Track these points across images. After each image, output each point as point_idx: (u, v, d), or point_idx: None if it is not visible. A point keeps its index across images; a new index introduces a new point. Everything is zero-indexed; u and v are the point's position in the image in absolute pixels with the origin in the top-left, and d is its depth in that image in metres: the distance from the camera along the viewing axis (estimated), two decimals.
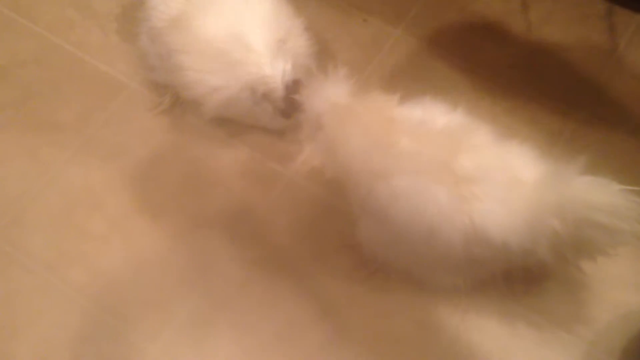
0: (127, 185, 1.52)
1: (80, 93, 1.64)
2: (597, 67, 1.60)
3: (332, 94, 1.20)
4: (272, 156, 1.53)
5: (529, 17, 1.69)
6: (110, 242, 1.45)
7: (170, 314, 1.36)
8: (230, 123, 1.54)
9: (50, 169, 1.54)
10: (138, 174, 1.53)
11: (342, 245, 1.40)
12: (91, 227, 1.47)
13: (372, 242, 1.29)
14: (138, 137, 1.57)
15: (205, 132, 1.57)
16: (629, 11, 1.66)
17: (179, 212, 1.48)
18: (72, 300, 1.39)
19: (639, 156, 1.46)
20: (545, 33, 1.67)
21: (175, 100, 1.59)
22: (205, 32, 1.36)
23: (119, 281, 1.41)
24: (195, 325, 1.35)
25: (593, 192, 1.00)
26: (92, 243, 1.45)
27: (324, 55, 1.59)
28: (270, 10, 1.38)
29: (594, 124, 1.51)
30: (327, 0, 1.75)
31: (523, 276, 1.27)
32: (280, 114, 1.40)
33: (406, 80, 1.61)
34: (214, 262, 1.42)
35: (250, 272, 1.40)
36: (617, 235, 0.99)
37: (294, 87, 1.35)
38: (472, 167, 1.07)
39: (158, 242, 1.45)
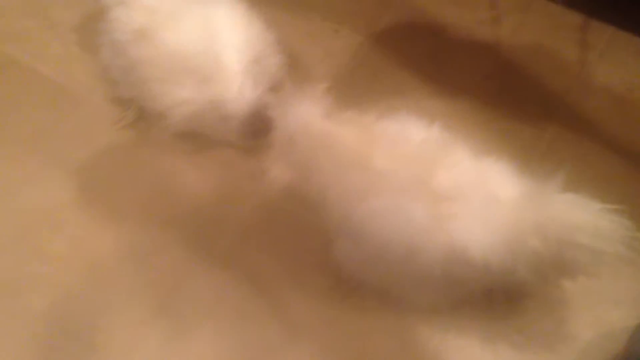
0: (89, 203, 1.44)
1: (38, 108, 1.56)
2: (570, 79, 1.59)
3: (306, 112, 1.16)
4: (243, 173, 1.47)
5: (501, 28, 1.68)
6: (72, 264, 1.37)
7: (139, 338, 1.29)
8: (198, 137, 1.48)
9: (7, 188, 1.46)
10: (100, 191, 1.46)
11: (318, 264, 1.35)
12: (51, 249, 1.39)
13: (349, 262, 1.25)
14: (100, 153, 1.50)
15: (171, 146, 1.51)
16: (601, 23, 1.66)
17: (145, 231, 1.41)
18: (32, 327, 1.30)
19: (613, 170, 1.45)
20: (518, 44, 1.65)
21: (139, 114, 1.53)
22: (172, 45, 1.31)
23: (83, 305, 1.34)
24: (164, 348, 1.29)
25: (573, 212, 0.99)
26: (52, 265, 1.37)
27: (295, 68, 1.55)
28: (240, 23, 1.34)
29: (567, 138, 1.50)
30: (297, 11, 1.71)
31: (504, 295, 1.24)
32: (246, 135, 1.35)
33: (380, 92, 1.57)
34: (182, 282, 1.35)
35: (221, 293, 1.34)
36: (599, 256, 0.97)
37: (262, 110, 1.30)
38: (450, 185, 1.05)
39: (123, 263, 1.38)
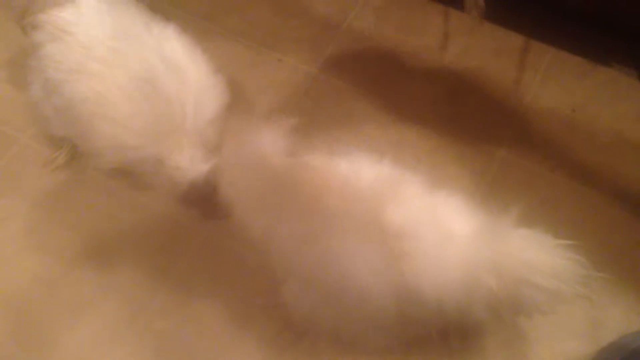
0: (18, 254, 1.35)
1: None
2: (514, 101, 1.58)
3: (268, 144, 1.12)
4: (185, 214, 1.40)
5: (446, 52, 1.66)
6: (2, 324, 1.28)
7: None
8: (135, 175, 1.38)
9: None
10: (31, 239, 1.37)
11: (265, 307, 1.29)
12: None
13: (299, 304, 1.19)
14: (29, 197, 1.41)
15: (109, 188, 1.43)
16: (543, 44, 1.66)
17: (81, 283, 1.33)
18: None
19: (561, 194, 1.43)
20: (463, 68, 1.64)
21: (73, 155, 1.45)
22: (113, 84, 1.22)
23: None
24: None
25: (529, 249, 0.96)
26: None
27: (238, 98, 1.49)
28: (184, 58, 1.27)
29: (515, 163, 1.48)
30: (239, 40, 1.67)
31: (459, 333, 1.20)
32: (190, 198, 1.30)
33: (327, 124, 1.53)
34: (121, 338, 1.27)
35: (162, 347, 1.26)
36: (556, 295, 0.94)
37: (209, 178, 1.25)
38: (402, 223, 1.00)
39: (57, 319, 1.29)
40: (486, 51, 1.67)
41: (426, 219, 1.01)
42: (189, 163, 1.25)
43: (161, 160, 1.24)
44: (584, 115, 1.56)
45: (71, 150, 1.44)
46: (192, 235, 1.39)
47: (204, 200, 1.30)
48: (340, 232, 1.02)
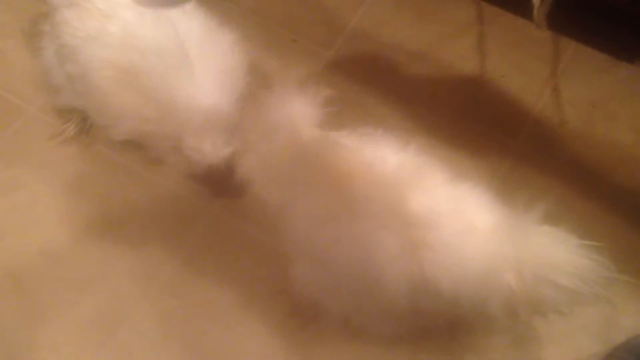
0: (24, 228, 1.33)
1: None
2: (533, 95, 1.55)
3: (299, 115, 1.09)
4: (195, 191, 1.37)
5: (462, 44, 1.63)
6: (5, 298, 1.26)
7: None
8: (148, 149, 1.35)
9: None
10: (37, 213, 1.34)
11: (274, 290, 1.28)
12: None
13: (309, 287, 1.17)
14: (36, 170, 1.38)
15: (118, 162, 1.40)
16: (565, 37, 1.63)
17: (86, 258, 1.30)
18: None
19: (579, 194, 1.41)
20: (481, 59, 1.60)
21: (82, 127, 1.42)
22: (133, 55, 1.18)
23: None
24: None
25: (552, 248, 0.94)
26: None
27: (258, 77, 1.45)
28: (206, 34, 1.24)
29: (531, 157, 1.46)
30: (253, 19, 1.63)
31: (469, 328, 1.18)
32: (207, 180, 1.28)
33: (353, 103, 1.50)
34: (125, 316, 1.25)
35: (167, 327, 1.24)
36: (576, 296, 0.93)
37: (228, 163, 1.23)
38: (424, 212, 0.98)
39: (61, 294, 1.27)
40: (503, 43, 1.63)
41: (448, 209, 0.99)
42: (210, 146, 1.22)
43: (179, 138, 1.21)
44: (604, 111, 1.53)
45: (81, 122, 1.41)
46: (203, 214, 1.36)
47: (219, 181, 1.28)
48: (361, 215, 1.00)
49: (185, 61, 1.19)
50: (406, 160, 1.04)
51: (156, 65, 1.19)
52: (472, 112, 1.52)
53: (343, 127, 1.11)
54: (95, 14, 1.22)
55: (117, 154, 1.41)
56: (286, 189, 1.09)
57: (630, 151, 1.48)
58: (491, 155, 1.45)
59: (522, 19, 1.65)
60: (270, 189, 1.13)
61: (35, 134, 1.42)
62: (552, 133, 1.51)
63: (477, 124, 1.50)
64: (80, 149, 1.42)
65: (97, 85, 1.21)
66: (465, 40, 1.64)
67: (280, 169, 1.09)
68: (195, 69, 1.20)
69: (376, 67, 1.59)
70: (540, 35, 1.62)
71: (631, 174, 1.45)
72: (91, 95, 1.24)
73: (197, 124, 1.21)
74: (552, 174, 1.43)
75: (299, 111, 1.11)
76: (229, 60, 1.28)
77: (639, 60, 1.58)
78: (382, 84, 1.55)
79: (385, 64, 1.60)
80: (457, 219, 0.99)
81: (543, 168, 1.44)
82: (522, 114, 1.53)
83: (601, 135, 1.50)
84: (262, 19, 1.64)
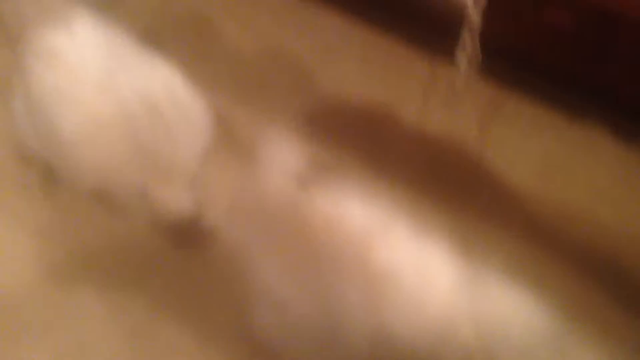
0: None
1: None
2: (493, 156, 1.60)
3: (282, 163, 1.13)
4: (159, 240, 1.37)
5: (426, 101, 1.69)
6: None
7: None
8: (113, 198, 1.33)
9: None
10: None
11: (236, 336, 1.28)
12: None
13: (270, 334, 1.17)
14: (1, 216, 1.38)
15: (82, 210, 1.40)
16: (517, 96, 1.69)
17: (48, 302, 1.30)
18: None
19: (536, 253, 1.44)
20: (449, 123, 1.65)
21: (48, 175, 1.42)
22: (100, 109, 1.21)
23: None
24: None
25: (508, 304, 0.98)
26: None
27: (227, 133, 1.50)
28: (178, 91, 1.27)
29: (490, 213, 1.49)
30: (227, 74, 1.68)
31: None
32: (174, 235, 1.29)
33: (315, 163, 1.51)
34: None
35: None
36: (531, 353, 0.95)
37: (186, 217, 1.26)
38: (387, 265, 1.01)
39: (21, 338, 1.25)
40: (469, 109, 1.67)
41: (411, 263, 1.02)
42: (174, 199, 1.24)
43: (144, 191, 1.23)
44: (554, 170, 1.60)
45: (47, 171, 1.41)
46: (166, 261, 1.36)
47: (183, 230, 1.29)
48: (325, 266, 1.03)
49: (155, 112, 1.22)
50: (372, 214, 1.08)
51: (126, 117, 1.21)
52: (436, 170, 1.58)
53: (311, 180, 1.14)
54: (65, 70, 1.25)
55: (82, 202, 1.40)
56: (251, 236, 1.11)
57: (583, 210, 1.53)
58: (453, 211, 1.50)
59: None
60: (235, 236, 1.15)
61: (1, 185, 1.42)
62: (510, 190, 1.56)
63: (441, 182, 1.55)
64: (46, 197, 1.42)
65: (63, 137, 1.23)
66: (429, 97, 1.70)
67: (248, 217, 1.12)
68: (164, 119, 1.23)
69: (344, 121, 1.63)
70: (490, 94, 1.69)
71: (584, 231, 1.50)
72: (58, 146, 1.26)
73: (161, 175, 1.23)
74: (509, 230, 1.48)
75: (267, 162, 1.14)
76: (197, 110, 1.32)
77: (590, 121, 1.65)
78: (350, 137, 1.60)
79: (352, 117, 1.65)
80: (418, 273, 1.02)
81: (501, 224, 1.49)
82: (482, 172, 1.59)
83: (555, 192, 1.56)
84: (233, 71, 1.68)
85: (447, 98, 1.67)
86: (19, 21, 1.31)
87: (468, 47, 1.37)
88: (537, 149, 1.63)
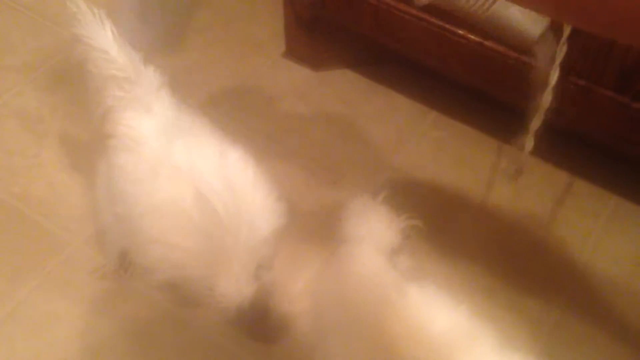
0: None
1: (14, 251, 1.46)
2: (574, 248, 1.53)
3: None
4: (230, 335, 1.35)
5: (500, 190, 1.64)
6: None
7: None
8: (184, 291, 1.32)
9: None
10: (70, 351, 1.33)
11: None
12: None
13: None
14: (74, 305, 1.39)
15: (153, 302, 1.40)
16: (604, 191, 1.63)
17: None
18: None
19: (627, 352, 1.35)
20: (518, 208, 1.60)
21: (122, 265, 1.43)
22: (179, 204, 1.22)
23: None
24: None
25: None
26: None
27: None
28: (253, 185, 1.28)
29: (574, 317, 1.41)
30: (295, 160, 1.68)
31: None
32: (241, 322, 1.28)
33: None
34: None
35: None
36: None
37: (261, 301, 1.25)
38: None
39: None
40: (543, 193, 1.63)
41: None
42: (235, 288, 1.22)
43: (209, 283, 1.22)
44: None
45: (122, 260, 1.43)
46: (233, 358, 1.33)
47: (253, 324, 1.26)
48: None
49: (230, 210, 1.22)
50: (457, 322, 1.02)
51: (200, 208, 1.22)
52: (512, 263, 1.50)
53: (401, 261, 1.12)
54: (146, 160, 1.27)
55: (153, 292, 1.41)
56: (326, 329, 1.07)
57: None
58: (531, 308, 1.41)
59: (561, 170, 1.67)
60: (310, 338, 1.12)
61: (77, 267, 1.44)
62: (597, 289, 1.47)
63: (517, 275, 1.48)
64: (119, 286, 1.43)
65: (142, 230, 1.24)
66: (504, 187, 1.65)
67: (328, 305, 1.08)
68: (231, 214, 1.23)
69: (422, 212, 1.60)
70: (580, 188, 1.63)
71: None
72: (135, 237, 1.27)
73: (225, 267, 1.22)
74: (591, 337, 1.38)
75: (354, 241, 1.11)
76: (267, 205, 1.31)
77: None
78: (429, 231, 1.54)
79: (429, 208, 1.60)
80: None
81: (583, 330, 1.39)
82: (564, 270, 1.50)
83: None
84: (302, 160, 1.69)
85: (515, 178, 1.63)
86: (102, 103, 1.33)
87: (537, 126, 1.33)
88: (626, 241, 1.54)
